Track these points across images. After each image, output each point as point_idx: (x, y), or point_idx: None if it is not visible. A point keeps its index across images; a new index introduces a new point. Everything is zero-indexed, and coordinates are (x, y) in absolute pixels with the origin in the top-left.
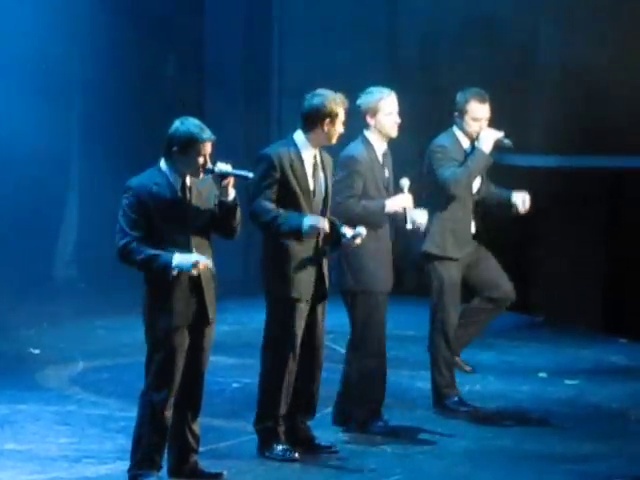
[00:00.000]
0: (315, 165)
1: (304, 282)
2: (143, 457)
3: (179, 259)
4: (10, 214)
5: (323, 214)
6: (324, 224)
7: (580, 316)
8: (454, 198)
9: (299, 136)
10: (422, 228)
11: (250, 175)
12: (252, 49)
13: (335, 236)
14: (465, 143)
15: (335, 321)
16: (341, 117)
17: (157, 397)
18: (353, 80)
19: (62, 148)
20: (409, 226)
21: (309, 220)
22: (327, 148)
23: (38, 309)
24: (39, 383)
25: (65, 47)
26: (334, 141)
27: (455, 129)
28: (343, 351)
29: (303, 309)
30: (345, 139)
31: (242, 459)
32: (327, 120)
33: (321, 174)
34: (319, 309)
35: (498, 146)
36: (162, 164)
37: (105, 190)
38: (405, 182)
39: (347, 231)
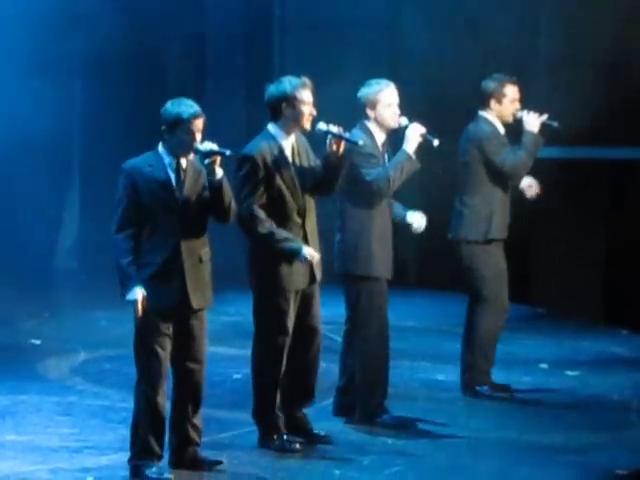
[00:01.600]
0: (294, 153)
1: (295, 272)
2: (142, 447)
3: (134, 293)
4: (10, 204)
5: (304, 196)
6: (316, 257)
7: (581, 307)
8: (514, 183)
9: (272, 127)
10: (420, 230)
11: (227, 152)
12: (252, 41)
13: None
14: (500, 127)
15: (334, 311)
16: (302, 98)
17: (147, 385)
18: (354, 72)
19: (63, 139)
20: (436, 142)
21: (306, 250)
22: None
23: (39, 300)
24: (40, 374)
25: (66, 42)
26: (306, 125)
27: (487, 115)
28: (339, 339)
29: (293, 298)
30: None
31: (244, 450)
32: (284, 104)
33: (301, 162)
34: (312, 295)
35: (544, 128)
36: (159, 146)
37: (107, 180)
38: (403, 120)
39: (332, 128)
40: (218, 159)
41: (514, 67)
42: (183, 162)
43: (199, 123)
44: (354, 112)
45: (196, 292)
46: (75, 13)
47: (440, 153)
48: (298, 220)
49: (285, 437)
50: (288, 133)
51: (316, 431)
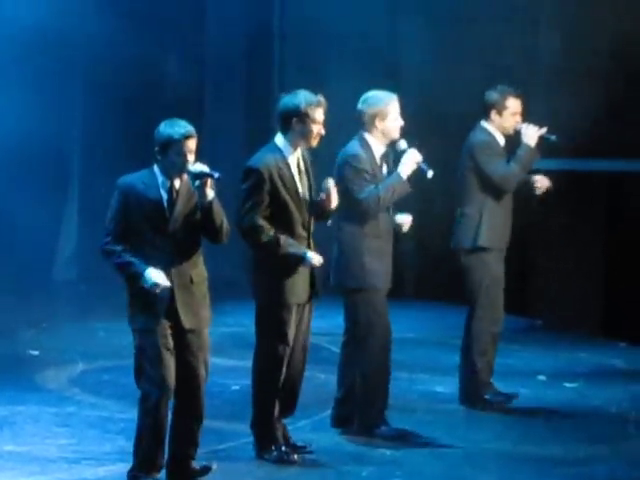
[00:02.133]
0: (299, 167)
1: (298, 286)
2: (143, 459)
3: (148, 274)
4: (10, 215)
5: (310, 215)
6: (321, 261)
7: (579, 319)
8: (504, 194)
9: (280, 139)
10: (404, 229)
11: (216, 175)
12: (252, 54)
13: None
14: (500, 139)
15: (332, 322)
16: (314, 117)
17: (150, 400)
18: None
19: (63, 149)
20: (430, 174)
21: (311, 254)
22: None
23: (37, 310)
24: (38, 384)
25: (66, 57)
26: (313, 143)
27: (487, 125)
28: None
29: (295, 312)
30: (345, 140)
31: (242, 461)
32: (295, 119)
33: (304, 176)
34: (307, 310)
35: (543, 142)
36: (155, 166)
37: (105, 192)
38: (403, 143)
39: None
40: (209, 181)
41: (512, 79)
42: (176, 182)
43: (191, 144)
44: (353, 123)
45: (187, 312)
46: (75, 27)
47: (438, 163)
48: (303, 233)
49: (283, 448)
50: (295, 147)
51: (295, 442)
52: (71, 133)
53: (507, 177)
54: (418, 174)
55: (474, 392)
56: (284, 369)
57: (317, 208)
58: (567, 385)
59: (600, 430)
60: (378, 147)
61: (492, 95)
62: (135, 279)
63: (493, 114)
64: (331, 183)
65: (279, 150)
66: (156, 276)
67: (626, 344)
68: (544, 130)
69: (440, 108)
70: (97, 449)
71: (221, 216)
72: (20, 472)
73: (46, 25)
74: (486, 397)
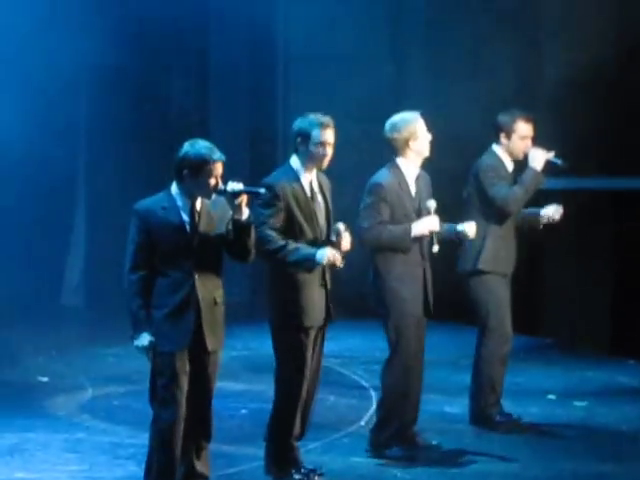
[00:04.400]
0: (312, 189)
1: (314, 309)
2: None
3: (143, 339)
4: (17, 242)
5: (326, 238)
6: (337, 255)
7: (588, 338)
8: (507, 217)
9: (294, 161)
10: (470, 235)
11: (262, 190)
12: (257, 66)
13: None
14: (508, 163)
15: (341, 345)
16: (318, 138)
17: (164, 423)
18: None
19: (69, 173)
20: (435, 249)
21: (322, 253)
22: (355, 174)
23: (46, 337)
24: (48, 411)
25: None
26: (322, 165)
27: (496, 148)
28: (353, 376)
29: (312, 335)
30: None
31: None
32: (299, 139)
33: (320, 198)
34: (319, 334)
35: (549, 166)
36: (173, 187)
37: (113, 216)
38: (432, 204)
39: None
40: (245, 199)
41: (516, 99)
42: (197, 204)
43: (220, 167)
44: (359, 144)
45: (211, 334)
46: (78, 43)
47: (450, 183)
48: None
49: (303, 470)
50: (308, 169)
51: (304, 465)
52: (76, 159)
53: (508, 200)
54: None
55: (483, 412)
56: (304, 393)
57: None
58: (577, 404)
59: (610, 449)
60: (412, 170)
61: (502, 118)
62: (139, 332)
63: (502, 137)
64: (342, 228)
65: (293, 171)
66: (143, 341)
67: (635, 362)
68: (551, 154)
69: (446, 131)
70: (108, 475)
71: (254, 234)
72: None
73: (50, 47)
74: (495, 418)
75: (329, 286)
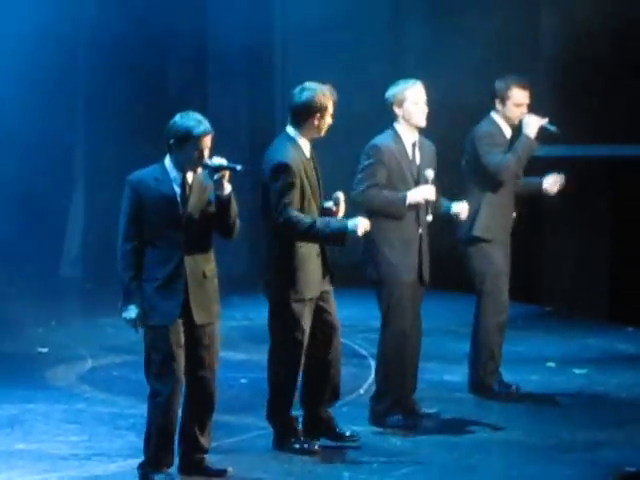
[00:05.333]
0: (312, 157)
1: (313, 280)
2: (153, 455)
3: (130, 311)
4: (16, 214)
5: (319, 205)
6: (366, 223)
7: (587, 305)
8: (501, 184)
9: (292, 131)
10: (462, 217)
11: (239, 167)
12: (254, 42)
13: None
14: (506, 129)
15: (340, 315)
16: (330, 110)
17: (161, 397)
18: (357, 75)
19: (67, 146)
20: (429, 218)
21: (352, 223)
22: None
23: (45, 308)
24: (48, 382)
25: (69, 44)
26: (323, 133)
27: (494, 115)
28: (351, 345)
29: (311, 307)
30: (376, 133)
31: (252, 454)
32: (318, 115)
33: (316, 164)
34: (328, 299)
35: (543, 132)
36: (166, 159)
37: (111, 188)
38: (429, 173)
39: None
40: (227, 174)
41: (515, 65)
42: (189, 177)
43: (208, 140)
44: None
45: (199, 308)
46: (78, 16)
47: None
48: None
49: (303, 439)
50: (308, 139)
51: (342, 431)
52: (75, 132)
53: (501, 167)
54: None
55: (482, 381)
56: (301, 360)
57: (325, 213)
58: (576, 371)
59: (610, 415)
60: (408, 136)
61: (497, 84)
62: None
63: (497, 103)
64: (340, 196)
65: (295, 142)
66: (130, 314)
67: (634, 328)
68: (545, 121)
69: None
70: (108, 445)
71: (236, 211)
72: (31, 470)
73: (49, 20)
74: (493, 386)
75: (327, 253)
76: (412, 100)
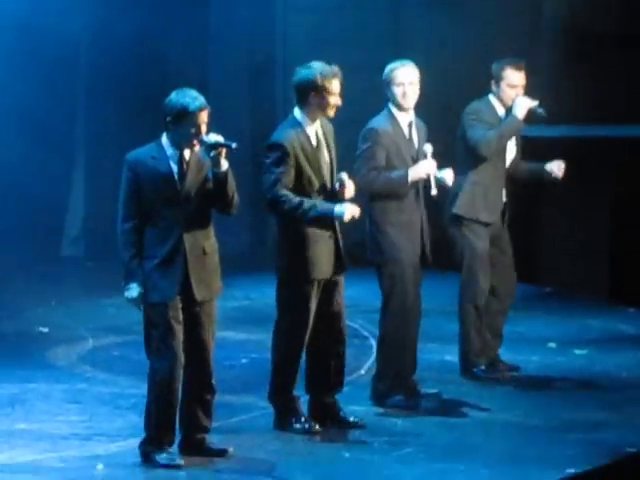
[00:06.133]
0: (318, 139)
1: (322, 261)
2: (154, 433)
3: (132, 290)
4: (16, 193)
5: (331, 185)
6: (356, 209)
7: (588, 286)
8: (484, 162)
9: (297, 112)
10: (448, 183)
11: (234, 145)
12: (256, 25)
13: None
14: (500, 110)
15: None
16: (331, 89)
17: (161, 374)
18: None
19: (67, 126)
20: (434, 192)
21: (339, 208)
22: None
23: (46, 288)
24: (49, 362)
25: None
26: (330, 114)
27: (491, 97)
28: (353, 325)
29: (318, 288)
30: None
31: (253, 434)
32: (313, 93)
33: (324, 147)
34: (337, 283)
35: (532, 114)
36: (163, 137)
37: (112, 168)
38: (428, 148)
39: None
40: (224, 151)
41: (516, 46)
42: (186, 154)
43: (204, 115)
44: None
45: (200, 284)
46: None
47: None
48: None
49: (303, 419)
50: (313, 120)
51: (347, 417)
52: (76, 112)
53: (481, 142)
54: None
55: (463, 363)
56: (304, 341)
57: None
58: (577, 352)
59: (611, 396)
60: (402, 116)
61: (494, 66)
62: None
63: (493, 84)
64: (345, 177)
65: (299, 123)
66: (131, 293)
67: (635, 309)
68: (535, 103)
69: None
70: (109, 425)
71: (233, 187)
72: (32, 449)
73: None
74: (474, 369)
75: (340, 237)
76: (396, 81)
